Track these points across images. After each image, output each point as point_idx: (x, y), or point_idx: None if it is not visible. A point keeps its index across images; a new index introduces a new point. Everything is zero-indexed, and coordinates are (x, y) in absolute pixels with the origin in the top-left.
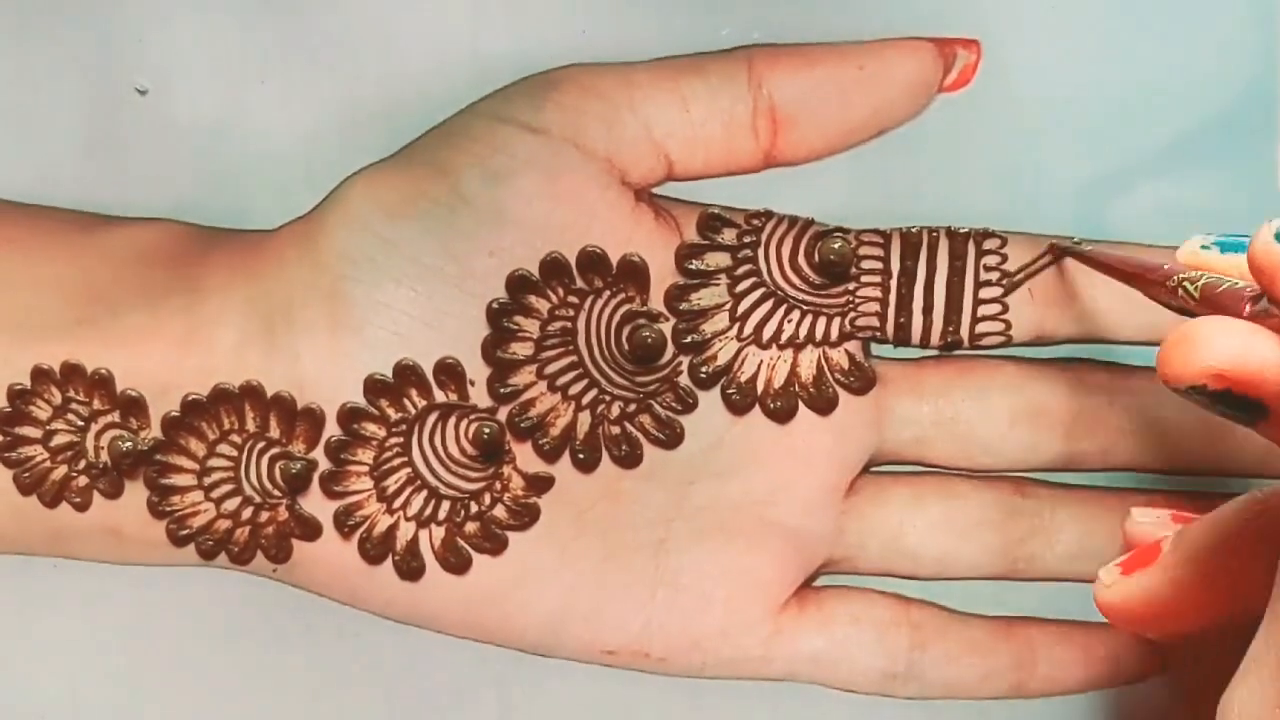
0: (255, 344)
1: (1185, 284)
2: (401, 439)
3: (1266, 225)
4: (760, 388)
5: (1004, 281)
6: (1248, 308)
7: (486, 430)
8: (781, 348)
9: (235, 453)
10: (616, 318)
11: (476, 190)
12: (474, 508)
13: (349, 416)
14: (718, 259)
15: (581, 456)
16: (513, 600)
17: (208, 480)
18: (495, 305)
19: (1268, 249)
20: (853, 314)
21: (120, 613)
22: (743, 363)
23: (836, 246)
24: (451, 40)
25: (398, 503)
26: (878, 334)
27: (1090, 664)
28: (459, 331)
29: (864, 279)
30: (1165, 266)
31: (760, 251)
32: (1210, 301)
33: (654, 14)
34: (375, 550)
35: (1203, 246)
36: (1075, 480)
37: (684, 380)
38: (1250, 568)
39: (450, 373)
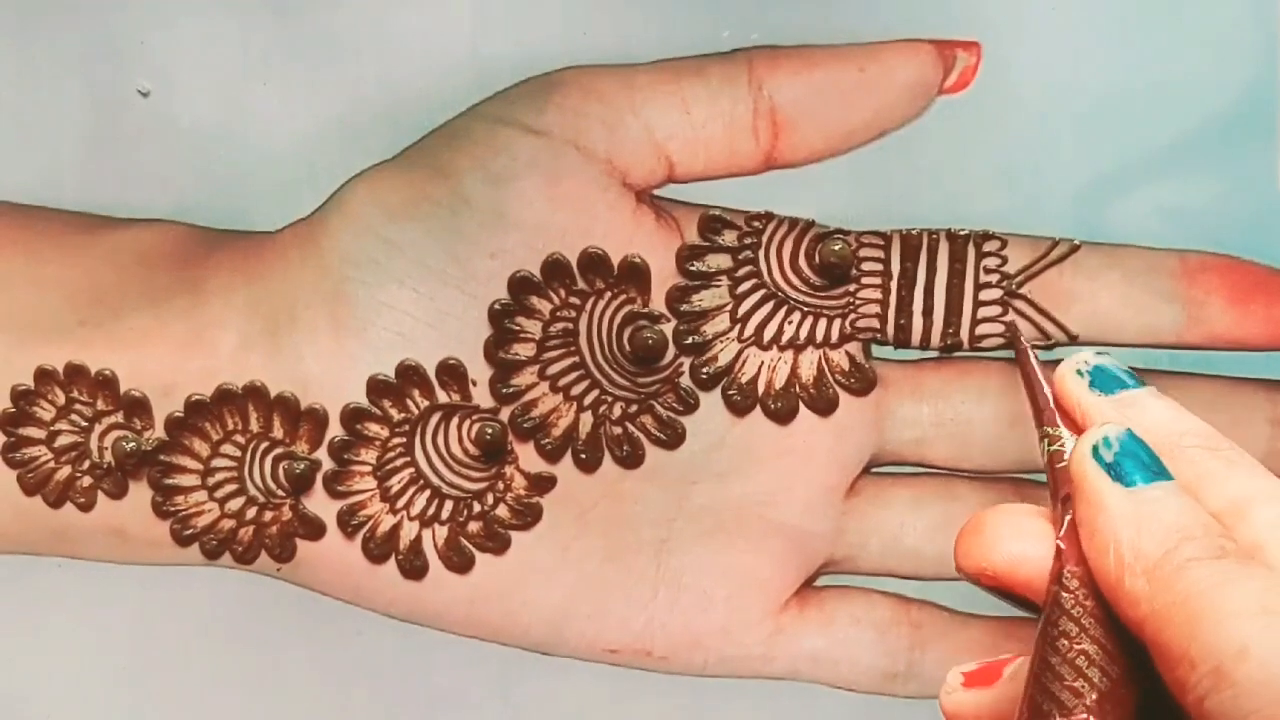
0: (258, 345)
1: (1046, 441)
2: (404, 439)
3: (1069, 361)
4: (761, 389)
5: (1003, 284)
6: (1059, 505)
7: (489, 430)
8: (782, 349)
9: (239, 453)
10: (618, 319)
11: (478, 192)
12: (477, 507)
13: (352, 417)
14: (719, 260)
15: (583, 457)
16: (515, 599)
17: (211, 480)
18: (497, 306)
19: (1063, 381)
20: (853, 315)
21: (124, 612)
22: (744, 364)
23: (837, 248)
24: (452, 42)
25: (401, 502)
26: (878, 335)
27: None
28: (461, 332)
29: (864, 281)
30: (1049, 408)
31: (761, 253)
32: (1049, 473)
33: (654, 16)
34: (379, 549)
35: (1078, 371)
36: None
37: (685, 381)
38: None
39: (452, 373)
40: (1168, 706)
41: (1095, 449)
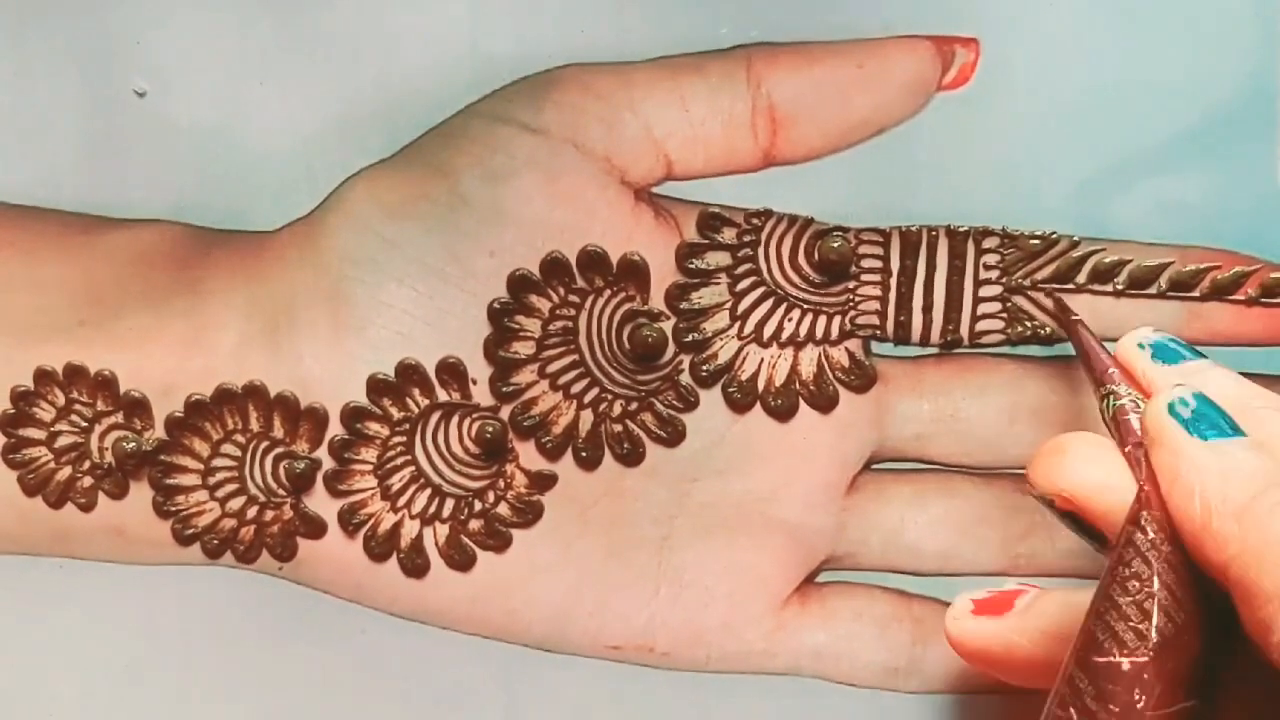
0: (258, 344)
1: (1109, 398)
2: (405, 438)
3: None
4: (761, 386)
5: (1003, 280)
6: (1129, 448)
7: (489, 429)
8: (782, 346)
9: (239, 452)
10: (617, 317)
11: (477, 190)
12: (478, 505)
13: (352, 416)
14: (718, 258)
15: (584, 454)
16: (517, 596)
17: (212, 480)
18: (496, 305)
19: (1125, 352)
20: (853, 312)
21: (126, 612)
22: (744, 361)
23: (836, 245)
24: (451, 40)
25: (402, 501)
26: (878, 332)
27: None
28: (461, 331)
29: (864, 278)
30: (1110, 369)
31: (760, 250)
32: (1116, 424)
33: (653, 13)
34: (380, 548)
35: (1140, 344)
36: None
37: (685, 378)
38: None
39: (452, 372)
40: (1223, 663)
41: (1171, 406)
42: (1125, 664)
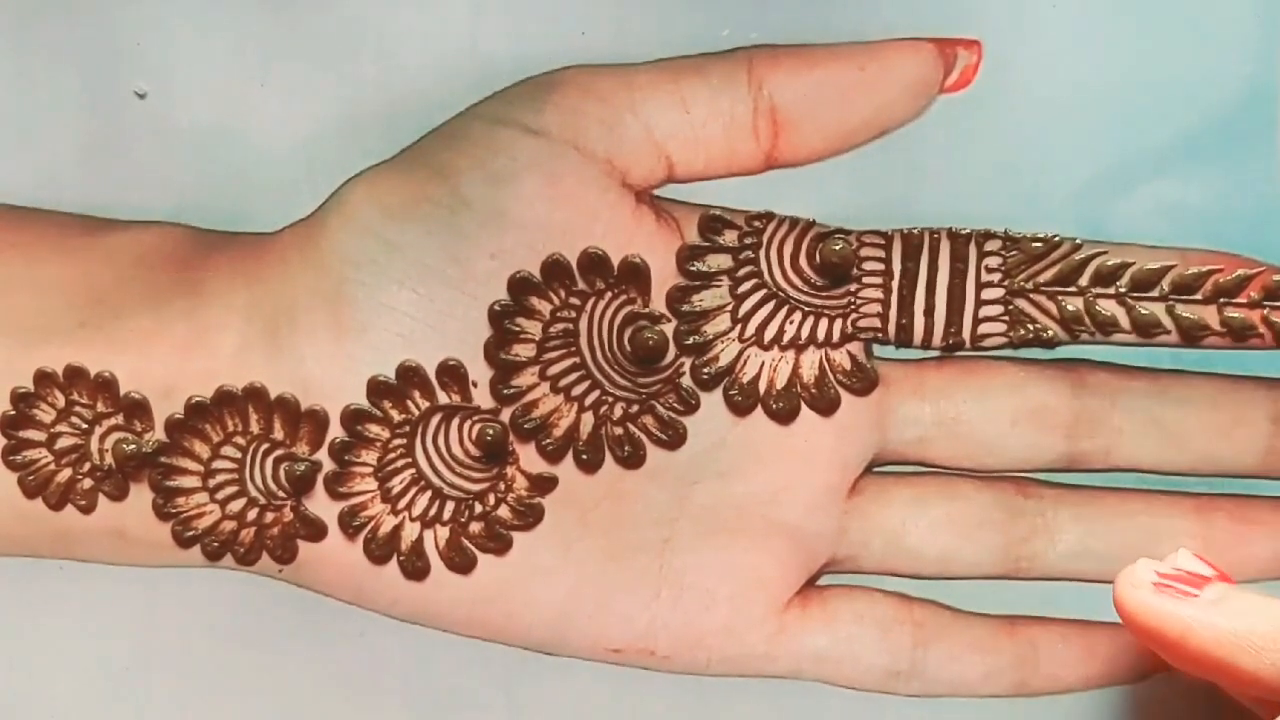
0: (258, 346)
1: None
2: (405, 440)
3: None
4: (762, 388)
5: (1005, 283)
6: None
7: (490, 431)
8: (783, 349)
9: (240, 454)
10: (618, 319)
11: (477, 192)
12: (478, 508)
13: (353, 418)
14: (719, 260)
15: (585, 457)
16: (518, 599)
17: (212, 482)
18: (497, 307)
19: None
20: (854, 315)
21: (126, 614)
22: (745, 364)
23: (838, 248)
24: (451, 42)
25: (402, 503)
26: (879, 335)
27: (1092, 662)
28: (461, 333)
29: (865, 280)
30: None
31: (761, 253)
32: None
33: (654, 15)
34: (380, 550)
35: None
36: (1076, 480)
37: (686, 381)
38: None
39: (453, 374)
40: None
41: None
42: None
